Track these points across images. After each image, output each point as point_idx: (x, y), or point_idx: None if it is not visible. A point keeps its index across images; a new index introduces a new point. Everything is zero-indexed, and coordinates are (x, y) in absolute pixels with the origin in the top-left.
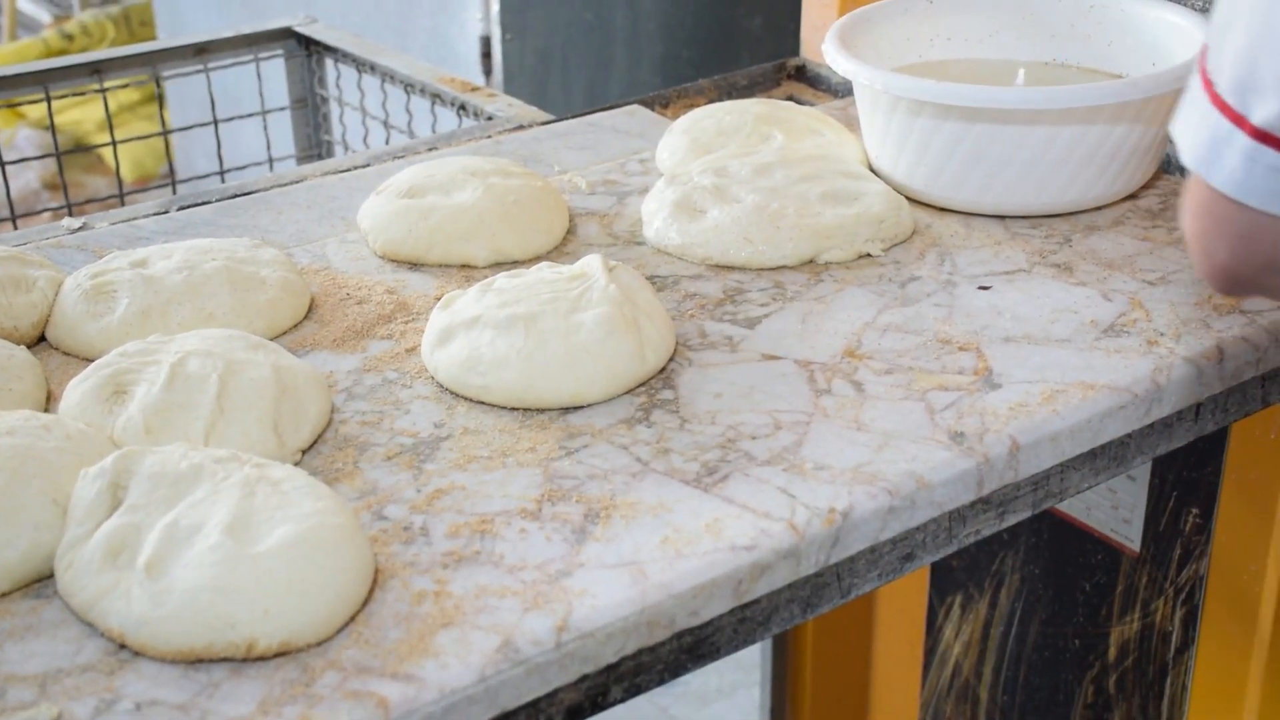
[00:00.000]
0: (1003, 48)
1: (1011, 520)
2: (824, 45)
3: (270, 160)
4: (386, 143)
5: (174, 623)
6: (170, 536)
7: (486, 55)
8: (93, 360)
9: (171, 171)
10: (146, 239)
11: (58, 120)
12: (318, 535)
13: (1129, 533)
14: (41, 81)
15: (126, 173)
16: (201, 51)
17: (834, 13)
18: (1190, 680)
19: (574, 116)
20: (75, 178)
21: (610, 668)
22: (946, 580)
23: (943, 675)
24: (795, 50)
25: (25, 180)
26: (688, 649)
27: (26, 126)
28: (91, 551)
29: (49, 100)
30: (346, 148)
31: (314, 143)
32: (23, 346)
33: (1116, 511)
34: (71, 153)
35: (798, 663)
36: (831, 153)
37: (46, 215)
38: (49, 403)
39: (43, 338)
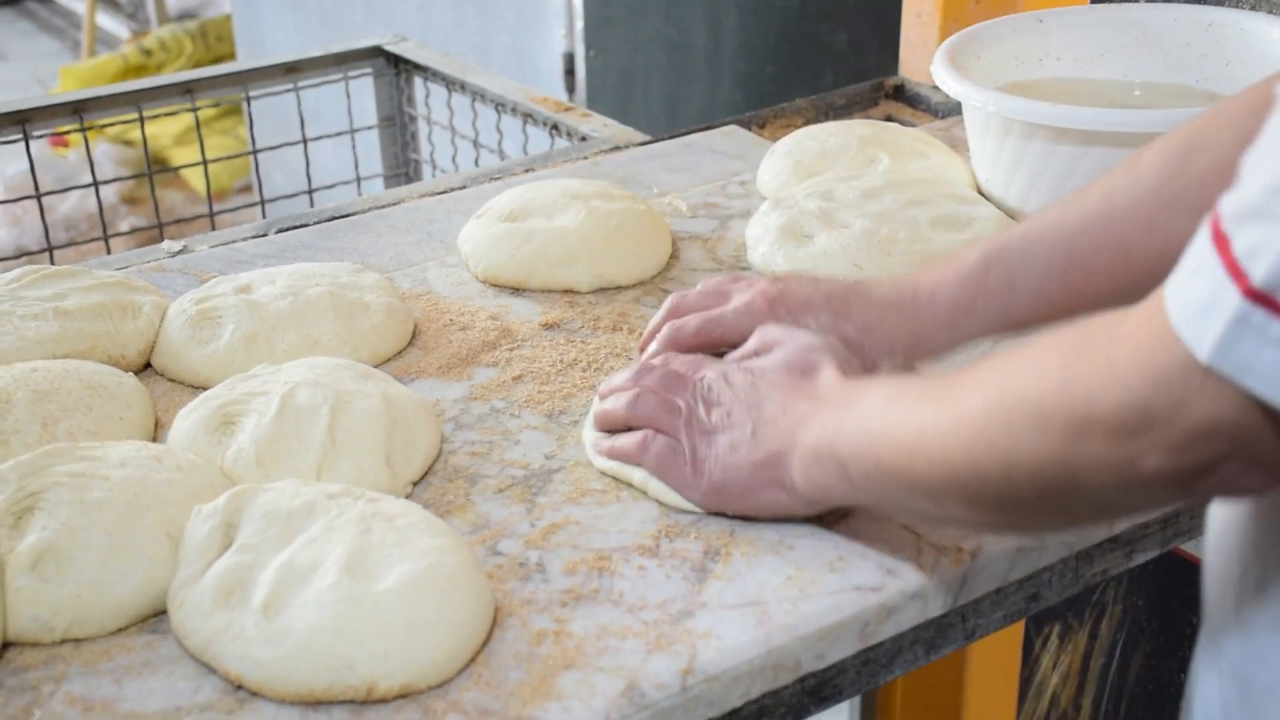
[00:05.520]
0: (1114, 67)
1: (1139, 559)
2: (933, 66)
3: (358, 179)
4: (476, 163)
5: (292, 664)
6: (286, 575)
7: (569, 72)
8: (198, 386)
9: (260, 190)
10: (246, 262)
11: (134, 136)
12: (437, 573)
13: None
14: (135, 101)
15: (202, 186)
16: (291, 70)
17: (935, 31)
18: None
19: (671, 137)
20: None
21: (734, 711)
22: (1044, 610)
23: (1039, 706)
24: (882, 66)
25: (103, 195)
26: (810, 691)
27: (105, 142)
28: (204, 591)
29: (142, 120)
30: (434, 166)
31: (401, 161)
32: (130, 373)
33: None
34: (161, 172)
35: (889, 692)
36: (939, 176)
37: (126, 229)
38: (156, 430)
39: (149, 364)
